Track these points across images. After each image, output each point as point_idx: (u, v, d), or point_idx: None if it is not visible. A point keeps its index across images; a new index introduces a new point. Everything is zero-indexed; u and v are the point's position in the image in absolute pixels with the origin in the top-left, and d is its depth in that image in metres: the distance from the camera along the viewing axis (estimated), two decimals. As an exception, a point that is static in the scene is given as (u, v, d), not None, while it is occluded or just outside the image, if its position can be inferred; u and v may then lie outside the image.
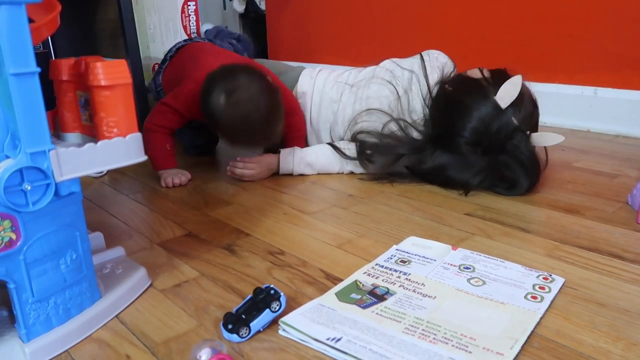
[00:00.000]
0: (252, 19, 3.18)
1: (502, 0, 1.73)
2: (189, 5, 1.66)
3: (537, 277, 0.73)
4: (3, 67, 0.54)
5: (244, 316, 0.63)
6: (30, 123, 0.55)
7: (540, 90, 1.66)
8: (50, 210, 0.59)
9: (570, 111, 1.60)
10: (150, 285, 0.76)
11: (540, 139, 1.03)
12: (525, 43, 1.70)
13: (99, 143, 0.62)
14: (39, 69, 0.55)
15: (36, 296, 0.60)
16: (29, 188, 0.56)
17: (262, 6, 2.99)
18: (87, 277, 0.66)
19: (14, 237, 0.57)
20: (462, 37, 1.88)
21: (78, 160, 0.60)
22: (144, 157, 0.67)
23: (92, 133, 0.68)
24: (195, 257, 0.84)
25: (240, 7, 3.16)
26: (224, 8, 3.34)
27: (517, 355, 0.57)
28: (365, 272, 0.75)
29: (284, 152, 1.21)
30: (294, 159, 1.20)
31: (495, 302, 0.67)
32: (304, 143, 1.28)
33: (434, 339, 0.59)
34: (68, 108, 0.70)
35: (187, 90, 1.17)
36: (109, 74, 0.63)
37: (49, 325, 0.62)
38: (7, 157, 0.57)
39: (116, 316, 0.68)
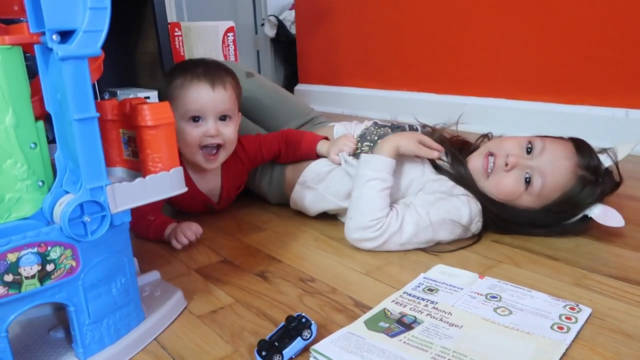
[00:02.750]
0: (283, 42, 3.27)
1: (529, 24, 1.75)
2: (228, 35, 1.74)
3: (564, 307, 0.74)
4: (66, 113, 0.60)
5: (276, 343, 0.66)
6: (90, 162, 0.62)
7: (571, 112, 1.66)
8: (104, 239, 0.65)
9: (601, 133, 1.59)
10: (186, 307, 0.81)
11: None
12: (556, 66, 1.71)
13: (147, 177, 0.69)
14: (98, 114, 0.61)
15: (92, 318, 0.66)
16: (88, 220, 0.63)
17: (293, 30, 3.07)
18: (134, 300, 0.72)
19: (74, 264, 0.63)
20: (491, 61, 1.90)
21: (130, 194, 0.67)
22: (185, 189, 0.73)
23: (134, 167, 0.73)
24: (229, 283, 0.88)
25: (271, 32, 3.25)
26: (256, 33, 3.44)
27: (542, 387, 0.58)
28: (393, 301, 0.78)
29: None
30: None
31: (521, 332, 0.68)
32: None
33: (460, 369, 0.61)
34: (112, 145, 0.76)
35: None
36: (154, 114, 0.69)
37: (102, 344, 0.67)
38: (66, 192, 0.64)
39: (157, 340, 0.72)
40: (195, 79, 1.02)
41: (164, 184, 0.70)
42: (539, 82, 1.77)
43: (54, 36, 0.58)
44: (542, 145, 0.95)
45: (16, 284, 0.58)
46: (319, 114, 1.40)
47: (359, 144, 1.12)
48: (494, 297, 0.77)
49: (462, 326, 0.70)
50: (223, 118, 1.05)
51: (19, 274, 0.58)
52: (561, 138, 0.99)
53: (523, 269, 0.87)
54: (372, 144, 1.10)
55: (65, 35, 0.59)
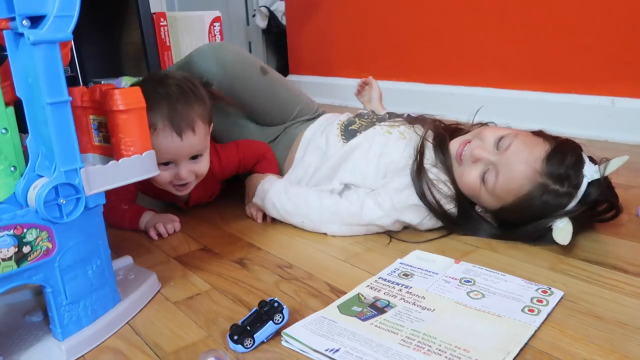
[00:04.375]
0: (275, 33, 3.26)
1: (517, 13, 1.74)
2: (215, 25, 1.73)
3: (536, 290, 0.74)
4: (38, 98, 0.61)
5: (248, 328, 0.66)
6: (63, 145, 0.63)
7: (558, 101, 1.66)
8: (79, 222, 0.66)
9: (587, 122, 1.59)
10: (160, 292, 0.82)
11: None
12: (543, 55, 1.70)
13: (120, 160, 0.69)
14: (70, 98, 0.62)
15: (69, 299, 0.67)
16: (63, 202, 0.63)
17: (284, 21, 3.06)
18: (109, 282, 0.73)
19: (50, 246, 0.64)
20: (479, 51, 1.90)
21: (104, 176, 0.68)
22: (157, 172, 0.74)
23: (105, 153, 0.74)
24: (207, 271, 0.88)
25: (262, 23, 3.24)
26: (247, 24, 3.43)
27: (508, 367, 0.59)
28: (368, 286, 0.78)
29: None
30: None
31: (492, 315, 0.69)
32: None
33: (428, 350, 0.62)
34: (82, 131, 0.76)
35: None
36: (126, 99, 0.70)
37: (80, 325, 0.68)
38: (39, 176, 0.64)
39: (131, 325, 0.73)
40: (161, 128, 0.92)
41: (136, 166, 0.71)
42: (526, 71, 1.77)
43: (24, 21, 0.58)
44: (509, 142, 0.88)
45: (-7, 266, 0.59)
46: (322, 109, 1.33)
47: (353, 118, 1.15)
48: (467, 281, 0.78)
49: (434, 310, 0.71)
50: (195, 157, 0.99)
51: (-4, 256, 0.59)
52: (546, 138, 0.90)
53: (500, 254, 0.88)
54: (367, 124, 1.12)
55: (36, 21, 0.59)
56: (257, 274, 0.86)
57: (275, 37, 3.29)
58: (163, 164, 0.96)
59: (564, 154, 0.86)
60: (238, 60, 1.17)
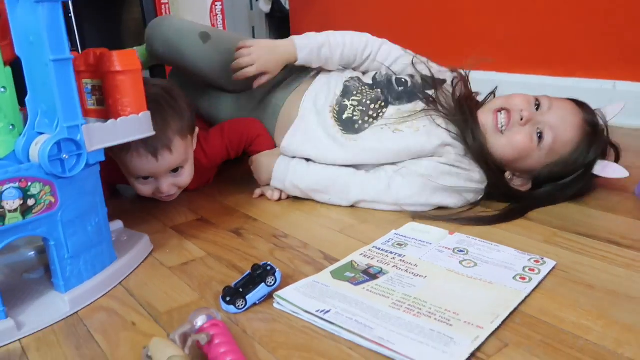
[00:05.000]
0: (278, 18, 3.24)
1: (520, -5, 1.73)
2: (216, 5, 1.73)
3: (529, 260, 0.74)
4: (39, 56, 0.63)
5: (241, 290, 0.67)
6: (66, 101, 0.64)
7: (559, 84, 1.66)
8: (80, 179, 0.69)
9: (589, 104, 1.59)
10: (152, 255, 0.84)
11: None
12: (544, 38, 1.70)
13: (119, 119, 0.71)
14: (72, 56, 0.64)
15: (71, 252, 0.69)
16: (66, 157, 0.66)
17: (288, 6, 3.05)
18: (106, 240, 0.75)
19: (53, 200, 0.66)
20: (480, 35, 1.89)
21: (103, 133, 0.70)
22: (152, 132, 0.76)
23: (99, 116, 0.75)
24: (203, 239, 0.89)
25: (266, 8, 3.22)
26: (251, 9, 3.41)
27: (497, 329, 0.59)
28: (361, 254, 0.79)
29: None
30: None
31: (484, 282, 0.69)
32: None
33: (418, 313, 0.62)
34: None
35: None
36: (122, 61, 0.71)
37: (81, 278, 0.71)
38: (39, 134, 0.66)
39: (125, 287, 0.73)
40: (135, 149, 0.89)
41: (134, 126, 0.73)
42: (527, 55, 1.76)
43: (26, -21, 0.59)
44: (549, 102, 0.94)
45: (0, 217, 0.61)
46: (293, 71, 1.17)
47: (342, 99, 1.03)
48: (461, 251, 0.78)
49: (426, 276, 0.71)
50: (175, 170, 0.96)
51: (3, 207, 0.61)
52: (560, 98, 0.98)
53: (496, 228, 0.88)
54: (363, 108, 1.01)
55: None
56: (253, 242, 0.87)
57: (279, 21, 3.27)
58: (142, 177, 0.96)
59: (586, 104, 0.98)
60: (175, 32, 1.13)
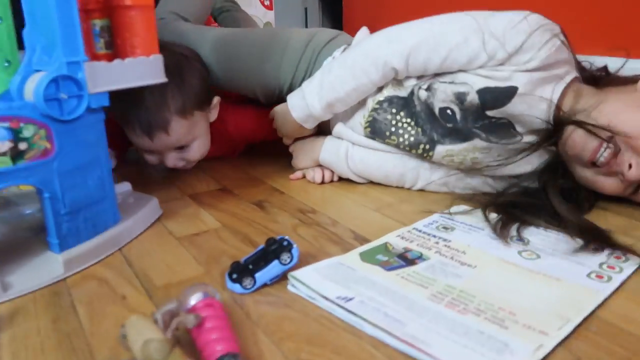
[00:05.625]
0: (331, -2, 3.12)
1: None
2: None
3: (608, 255, 0.60)
4: None
5: (251, 266, 0.56)
6: (67, 33, 0.57)
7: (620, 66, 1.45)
8: (80, 126, 0.61)
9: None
10: (164, 225, 0.73)
11: None
12: (605, 18, 1.49)
13: (126, 60, 0.63)
14: None
15: (68, 207, 0.61)
16: (64, 97, 0.58)
17: (341, -16, 2.92)
18: (110, 197, 0.67)
19: (48, 146, 0.58)
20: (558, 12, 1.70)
21: (108, 75, 0.62)
22: (164, 79, 0.68)
23: (107, 60, 0.65)
24: (222, 210, 0.79)
25: (319, -15, 3.10)
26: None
27: (566, 338, 0.46)
28: (398, 235, 0.66)
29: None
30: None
31: (548, 277, 0.55)
32: None
33: (464, 309, 0.49)
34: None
35: None
36: None
37: (79, 238, 0.63)
38: (36, 71, 0.58)
39: (124, 255, 0.64)
40: (130, 126, 0.81)
41: (143, 69, 0.65)
42: (576, 30, 1.56)
43: None
44: None
45: (-13, 160, 0.53)
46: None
47: (373, 136, 0.84)
48: (520, 239, 0.64)
49: (475, 266, 0.58)
50: (180, 147, 0.87)
51: (-10, 149, 0.53)
52: None
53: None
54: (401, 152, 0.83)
55: None
56: (275, 216, 0.76)
57: (332, 2, 3.16)
58: (149, 153, 0.87)
59: None
60: None
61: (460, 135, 0.77)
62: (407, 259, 0.60)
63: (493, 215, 0.70)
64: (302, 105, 0.82)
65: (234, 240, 0.68)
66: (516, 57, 0.70)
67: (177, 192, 0.88)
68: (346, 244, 0.66)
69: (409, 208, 0.77)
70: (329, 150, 0.86)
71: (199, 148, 0.88)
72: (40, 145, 0.57)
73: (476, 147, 0.77)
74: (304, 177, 0.92)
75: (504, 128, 0.75)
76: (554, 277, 0.55)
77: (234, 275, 0.56)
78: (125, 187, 0.78)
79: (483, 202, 0.74)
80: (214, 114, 0.92)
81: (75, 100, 0.59)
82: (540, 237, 0.65)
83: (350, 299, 0.51)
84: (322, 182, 0.90)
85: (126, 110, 0.81)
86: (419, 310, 0.49)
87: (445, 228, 0.68)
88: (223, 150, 1.02)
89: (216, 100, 0.91)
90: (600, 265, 0.58)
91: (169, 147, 0.85)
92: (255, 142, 1.07)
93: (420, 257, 0.60)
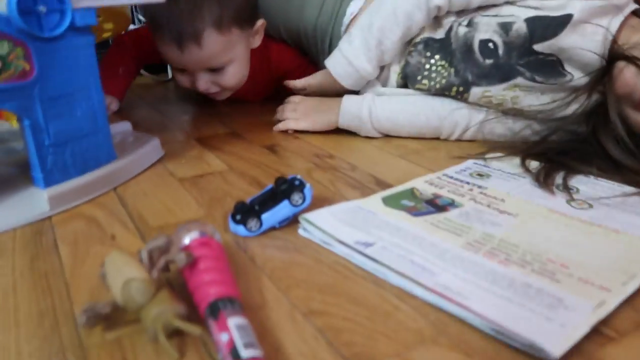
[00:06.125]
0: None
1: None
2: None
3: (674, 205, 0.51)
4: None
5: (257, 207, 0.49)
6: None
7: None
8: (64, 47, 0.54)
9: None
10: (165, 166, 0.66)
11: None
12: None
13: None
14: None
15: (53, 139, 0.54)
16: (43, 10, 0.51)
17: None
18: (103, 131, 0.60)
19: (27, 67, 0.51)
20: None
21: None
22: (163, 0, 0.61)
23: None
24: (229, 153, 0.72)
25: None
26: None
27: (632, 295, 0.38)
28: (426, 181, 0.58)
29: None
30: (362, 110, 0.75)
31: (604, 228, 0.47)
32: None
33: (505, 259, 0.42)
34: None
35: None
36: None
37: (67, 174, 0.56)
38: None
39: (119, 196, 0.58)
40: (160, 33, 0.74)
41: None
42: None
43: None
44: None
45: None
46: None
47: (404, 82, 0.77)
48: (567, 189, 0.56)
49: (517, 215, 0.50)
50: (215, 69, 0.79)
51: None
52: None
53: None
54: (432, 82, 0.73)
55: None
56: (288, 160, 0.69)
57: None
58: (180, 70, 0.79)
59: None
60: None
61: (500, 73, 0.68)
62: (436, 205, 0.52)
63: (534, 164, 0.61)
64: (350, 71, 0.75)
65: (240, 182, 0.61)
66: None
67: (182, 134, 0.81)
68: (366, 189, 0.58)
69: (437, 155, 0.69)
70: (349, 111, 0.76)
71: (234, 73, 0.80)
72: (18, 66, 0.50)
73: (518, 86, 0.68)
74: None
75: (552, 66, 0.65)
76: (611, 229, 0.47)
77: (238, 217, 0.49)
78: (124, 126, 0.72)
79: (523, 149, 0.65)
80: (256, 40, 0.83)
81: (57, 15, 0.52)
82: (590, 185, 0.56)
83: (371, 245, 0.44)
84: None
85: (158, 14, 0.73)
86: (452, 259, 0.42)
87: (480, 175, 0.60)
88: (257, 85, 0.92)
89: (260, 22, 0.82)
90: (666, 217, 0.49)
91: (201, 65, 0.77)
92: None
93: (452, 204, 0.52)
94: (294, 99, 0.82)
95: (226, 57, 0.78)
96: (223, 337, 0.31)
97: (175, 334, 0.34)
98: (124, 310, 0.35)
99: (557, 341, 0.32)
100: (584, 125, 0.64)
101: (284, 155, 0.71)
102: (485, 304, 0.36)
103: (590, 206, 0.52)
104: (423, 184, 0.57)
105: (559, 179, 0.58)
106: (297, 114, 0.80)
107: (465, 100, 0.72)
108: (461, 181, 0.58)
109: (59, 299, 0.39)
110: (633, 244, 0.44)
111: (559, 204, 0.52)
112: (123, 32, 0.93)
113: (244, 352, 0.29)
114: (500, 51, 0.67)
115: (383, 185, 0.59)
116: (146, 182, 0.62)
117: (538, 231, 0.47)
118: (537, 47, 0.64)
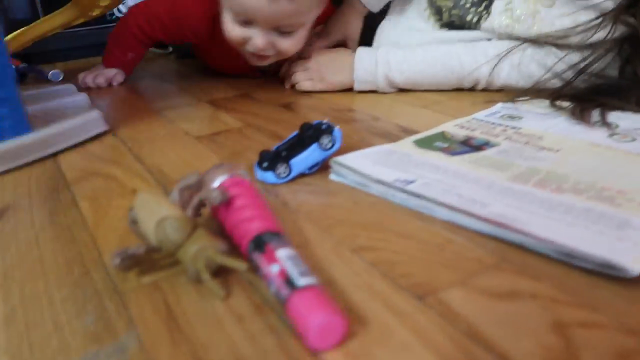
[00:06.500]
0: None
1: None
2: None
3: None
4: None
5: (284, 153, 0.46)
6: None
7: None
8: None
9: None
10: (174, 119, 0.62)
11: None
12: None
13: None
14: None
15: None
16: None
17: None
18: (9, 102, 0.54)
19: None
20: None
21: None
22: None
23: None
24: (244, 112, 0.69)
25: None
26: None
27: (699, 216, 0.35)
28: (456, 125, 0.56)
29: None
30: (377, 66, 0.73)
31: (657, 156, 0.45)
32: None
33: (557, 188, 0.39)
34: None
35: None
36: None
37: None
38: None
39: (135, 155, 0.55)
40: None
41: None
42: None
43: None
44: None
45: None
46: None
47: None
48: (606, 124, 0.53)
49: (559, 150, 0.47)
50: (282, 30, 0.72)
51: None
52: None
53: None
54: (460, 12, 0.72)
55: None
56: (306, 115, 0.66)
57: None
58: (241, 20, 0.71)
59: None
60: None
61: None
62: (472, 145, 0.49)
63: (566, 104, 0.59)
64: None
65: (259, 136, 0.59)
66: None
67: (193, 98, 0.77)
68: (393, 136, 0.56)
69: (461, 104, 0.66)
70: (364, 79, 0.73)
71: (299, 39, 0.73)
72: None
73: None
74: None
75: None
76: (661, 157, 0.44)
77: (265, 164, 0.46)
78: (74, 97, 0.68)
79: (552, 92, 0.62)
80: (323, 4, 0.75)
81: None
82: (629, 121, 0.54)
83: (412, 182, 0.41)
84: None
85: None
86: (502, 190, 0.39)
87: (512, 117, 0.57)
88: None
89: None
90: None
91: (277, 22, 0.70)
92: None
93: (488, 144, 0.50)
94: (305, 58, 0.78)
95: (302, 19, 0.72)
96: (273, 269, 0.28)
97: (216, 274, 0.31)
98: (159, 252, 0.32)
99: (634, 258, 0.29)
100: (616, 60, 0.61)
101: (300, 112, 0.68)
102: (548, 229, 0.33)
103: (634, 139, 0.49)
104: (453, 128, 0.55)
105: (595, 115, 0.55)
106: (309, 73, 0.77)
107: (486, 20, 0.69)
108: (493, 123, 0.55)
109: (85, 248, 0.37)
110: (689, 170, 0.42)
111: (601, 137, 0.50)
112: (134, 6, 0.89)
113: (300, 281, 0.27)
114: None
115: (410, 132, 0.56)
116: (161, 141, 0.59)
117: (585, 163, 0.44)
118: None
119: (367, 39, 0.79)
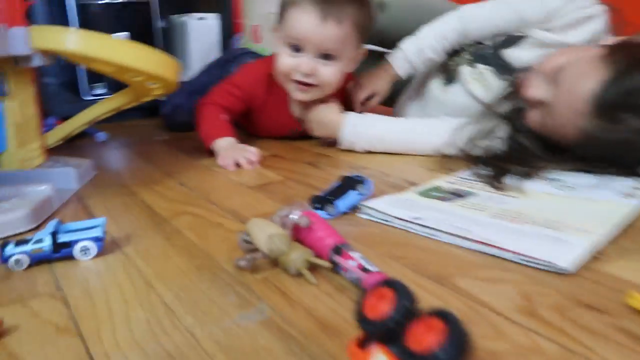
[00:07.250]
0: None
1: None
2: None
3: (633, 187, 0.70)
4: None
5: (329, 197, 0.65)
6: None
7: None
8: None
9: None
10: (227, 173, 0.80)
11: None
12: None
13: None
14: None
15: None
16: None
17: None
18: None
19: None
20: None
21: None
22: (28, 50, 0.69)
23: None
24: (280, 168, 0.87)
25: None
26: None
27: (615, 238, 0.55)
28: (447, 181, 0.75)
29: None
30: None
31: (586, 199, 0.65)
32: None
33: (522, 221, 0.58)
34: None
35: (253, 67, 1.02)
36: None
37: None
38: None
39: (207, 198, 0.72)
40: (307, 2, 0.85)
41: None
42: None
43: None
44: None
45: None
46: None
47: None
48: (555, 179, 0.74)
49: (519, 197, 0.67)
50: (326, 56, 0.88)
51: None
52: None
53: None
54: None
55: None
56: (330, 172, 0.85)
57: None
58: (292, 48, 0.88)
59: None
60: None
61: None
62: (459, 195, 0.69)
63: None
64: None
65: (301, 187, 0.77)
66: None
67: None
68: (401, 187, 0.75)
69: (458, 165, 0.87)
70: (353, 123, 0.95)
71: (337, 70, 0.89)
72: None
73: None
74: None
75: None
76: (591, 199, 0.65)
77: (317, 205, 0.65)
78: (39, 182, 0.72)
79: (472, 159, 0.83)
80: (352, 64, 0.94)
81: None
82: (573, 177, 0.74)
83: (419, 218, 0.60)
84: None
85: None
86: (484, 224, 0.58)
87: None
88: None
89: (364, 50, 0.94)
90: (631, 188, 0.67)
91: (324, 45, 0.85)
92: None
93: (470, 194, 0.69)
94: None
95: (343, 48, 0.87)
96: (351, 263, 0.46)
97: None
98: (268, 258, 0.50)
99: (564, 260, 0.48)
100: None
101: (325, 169, 0.87)
102: (515, 245, 0.52)
103: (574, 188, 0.70)
104: (444, 183, 0.74)
105: (548, 176, 0.75)
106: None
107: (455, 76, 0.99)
108: (472, 180, 0.76)
109: (206, 259, 0.54)
110: (610, 206, 0.62)
111: (550, 188, 0.70)
112: (212, 92, 1.00)
113: (372, 267, 0.45)
114: None
115: (414, 185, 0.76)
116: (222, 189, 0.77)
117: (536, 205, 0.64)
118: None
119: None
